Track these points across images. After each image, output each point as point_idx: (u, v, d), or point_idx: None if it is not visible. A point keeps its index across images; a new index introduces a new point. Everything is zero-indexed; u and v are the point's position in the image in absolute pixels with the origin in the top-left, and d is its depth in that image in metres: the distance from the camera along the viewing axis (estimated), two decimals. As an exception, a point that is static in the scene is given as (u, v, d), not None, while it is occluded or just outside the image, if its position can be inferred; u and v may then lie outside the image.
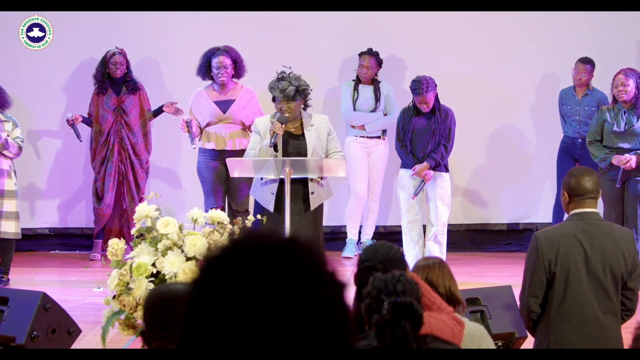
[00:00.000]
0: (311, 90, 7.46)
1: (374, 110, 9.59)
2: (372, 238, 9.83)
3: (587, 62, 9.53)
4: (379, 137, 9.64)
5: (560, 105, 9.67)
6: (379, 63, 9.70)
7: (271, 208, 7.23)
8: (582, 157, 9.45)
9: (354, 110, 9.62)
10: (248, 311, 1.53)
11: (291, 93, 7.24)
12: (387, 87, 9.67)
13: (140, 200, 9.74)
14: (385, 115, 9.62)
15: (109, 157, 9.76)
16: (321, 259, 1.60)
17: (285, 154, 7.29)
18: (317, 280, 1.57)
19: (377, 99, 9.60)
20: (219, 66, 9.06)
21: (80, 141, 9.46)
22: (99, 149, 9.78)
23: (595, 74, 9.66)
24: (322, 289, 1.58)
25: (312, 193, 7.31)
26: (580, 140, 9.47)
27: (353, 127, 9.63)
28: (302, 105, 7.40)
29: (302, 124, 7.39)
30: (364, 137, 9.62)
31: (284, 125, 7.21)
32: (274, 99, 7.41)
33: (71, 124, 9.42)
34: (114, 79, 9.74)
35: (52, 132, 10.19)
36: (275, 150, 7.23)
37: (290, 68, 7.39)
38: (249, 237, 1.61)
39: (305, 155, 7.29)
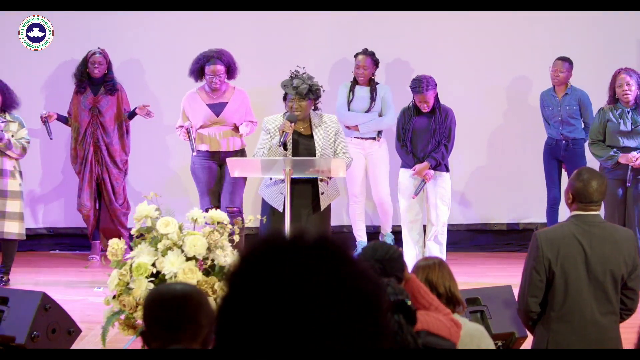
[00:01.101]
0: (324, 91, 7.51)
1: (368, 111, 9.55)
2: (372, 238, 9.81)
3: (565, 60, 9.49)
4: (374, 139, 9.59)
5: (541, 108, 9.64)
6: (375, 63, 9.65)
7: (281, 208, 7.25)
8: (566, 158, 9.44)
9: (349, 110, 9.58)
10: (286, 309, 1.51)
11: (304, 91, 7.29)
12: (385, 88, 9.62)
13: (124, 201, 9.77)
14: (380, 116, 9.57)
15: (86, 158, 9.76)
16: (353, 257, 1.59)
17: (295, 154, 7.31)
18: (354, 277, 1.56)
19: (372, 99, 9.57)
20: (212, 74, 9.03)
21: (51, 139, 9.45)
22: (77, 149, 9.79)
23: (594, 74, 9.66)
24: (360, 285, 1.56)
25: (322, 193, 7.35)
26: (564, 141, 9.44)
27: (348, 128, 9.60)
28: (312, 106, 7.43)
29: (311, 125, 7.41)
30: (358, 138, 9.58)
31: (293, 124, 7.23)
32: (284, 98, 7.44)
33: (44, 120, 9.41)
34: (93, 79, 9.73)
35: (52, 132, 10.18)
36: (285, 149, 7.24)
37: (304, 68, 7.44)
38: (280, 235, 1.59)
39: (314, 155, 7.30)
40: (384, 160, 9.63)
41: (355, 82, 9.64)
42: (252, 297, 1.54)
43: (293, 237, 1.58)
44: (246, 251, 1.58)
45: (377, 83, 9.65)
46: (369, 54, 9.63)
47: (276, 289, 1.53)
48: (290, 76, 7.41)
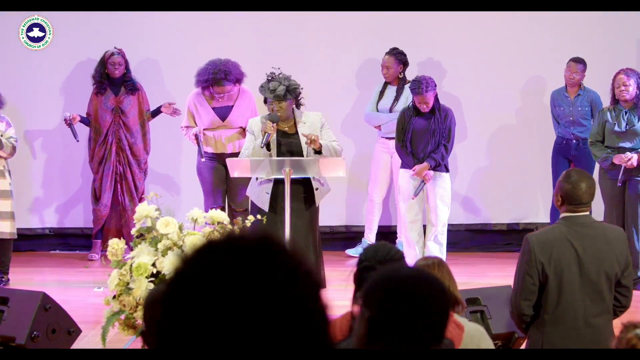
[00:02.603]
0: (302, 88, 7.50)
1: (391, 110, 9.57)
2: (381, 238, 9.81)
3: (579, 62, 9.51)
4: (392, 138, 9.59)
5: (552, 107, 9.64)
6: (401, 62, 9.61)
7: (266, 208, 7.27)
8: (576, 158, 9.43)
9: (377, 111, 9.62)
10: (221, 311, 1.54)
11: (282, 93, 7.30)
12: None
13: (140, 200, 9.73)
14: None
15: (106, 158, 9.75)
16: (295, 259, 1.60)
17: (279, 153, 7.33)
18: (290, 280, 1.58)
19: (396, 99, 9.58)
20: (220, 93, 9.03)
21: (77, 141, 9.44)
22: (97, 149, 9.77)
23: (595, 74, 9.66)
24: (295, 288, 1.58)
25: (317, 189, 7.37)
26: (574, 141, 9.45)
27: (377, 128, 9.66)
28: (294, 104, 7.44)
29: (295, 123, 7.43)
30: (384, 137, 9.62)
31: (275, 124, 7.24)
32: (265, 101, 7.46)
33: (68, 123, 9.41)
34: (112, 79, 9.72)
35: (53, 132, 10.19)
36: (268, 149, 7.26)
37: (279, 69, 7.44)
38: (223, 237, 1.62)
39: (300, 153, 7.32)
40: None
41: (387, 82, 9.68)
42: (188, 296, 1.56)
43: (232, 237, 1.61)
44: (188, 253, 1.60)
45: (408, 82, 9.61)
46: (393, 54, 9.63)
47: (208, 291, 1.55)
48: (267, 79, 7.41)
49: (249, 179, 8.93)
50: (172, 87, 10.15)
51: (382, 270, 2.94)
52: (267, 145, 7.24)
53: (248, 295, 1.54)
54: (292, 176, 7.14)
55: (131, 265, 5.59)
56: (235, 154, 8.90)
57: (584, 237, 4.85)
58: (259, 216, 6.13)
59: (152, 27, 10.21)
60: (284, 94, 7.30)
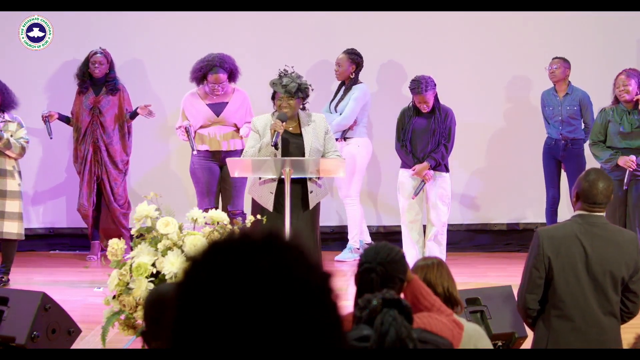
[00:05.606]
0: (312, 89, 7.51)
1: (336, 110, 9.55)
2: (372, 238, 9.78)
3: (559, 58, 9.50)
4: (337, 139, 9.56)
5: (542, 108, 9.64)
6: (354, 62, 9.56)
7: (270, 207, 7.27)
8: (565, 158, 9.44)
9: (330, 112, 9.54)
10: (232, 310, 1.54)
11: (293, 89, 7.31)
12: (358, 88, 9.52)
13: (116, 201, 9.71)
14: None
15: (86, 157, 9.75)
16: (303, 253, 1.60)
17: (285, 153, 7.33)
18: (299, 274, 1.58)
19: (341, 98, 9.55)
20: (215, 82, 9.03)
21: (51, 138, 9.48)
22: (78, 149, 9.78)
23: (595, 73, 9.66)
24: (308, 280, 1.58)
25: (311, 192, 7.36)
26: (563, 142, 9.45)
27: None
28: (301, 105, 7.45)
29: (300, 124, 7.43)
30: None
31: (284, 123, 7.25)
32: (272, 97, 7.46)
33: (44, 120, 9.43)
34: (95, 79, 9.72)
35: (53, 131, 10.18)
36: (276, 148, 7.26)
37: (292, 67, 7.44)
38: (229, 236, 1.62)
39: (304, 154, 7.32)
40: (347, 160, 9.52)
41: (342, 81, 9.64)
42: (199, 296, 1.56)
43: (237, 236, 1.61)
44: (196, 253, 1.61)
45: (360, 83, 9.56)
46: (347, 52, 9.59)
47: (222, 287, 1.55)
48: (279, 75, 7.42)
49: (245, 180, 8.94)
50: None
51: None
52: (276, 144, 7.25)
53: (261, 291, 1.54)
54: (293, 176, 7.14)
55: (131, 265, 5.59)
56: (230, 152, 8.90)
57: (594, 236, 4.85)
58: (259, 216, 6.13)
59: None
60: (295, 91, 7.31)
